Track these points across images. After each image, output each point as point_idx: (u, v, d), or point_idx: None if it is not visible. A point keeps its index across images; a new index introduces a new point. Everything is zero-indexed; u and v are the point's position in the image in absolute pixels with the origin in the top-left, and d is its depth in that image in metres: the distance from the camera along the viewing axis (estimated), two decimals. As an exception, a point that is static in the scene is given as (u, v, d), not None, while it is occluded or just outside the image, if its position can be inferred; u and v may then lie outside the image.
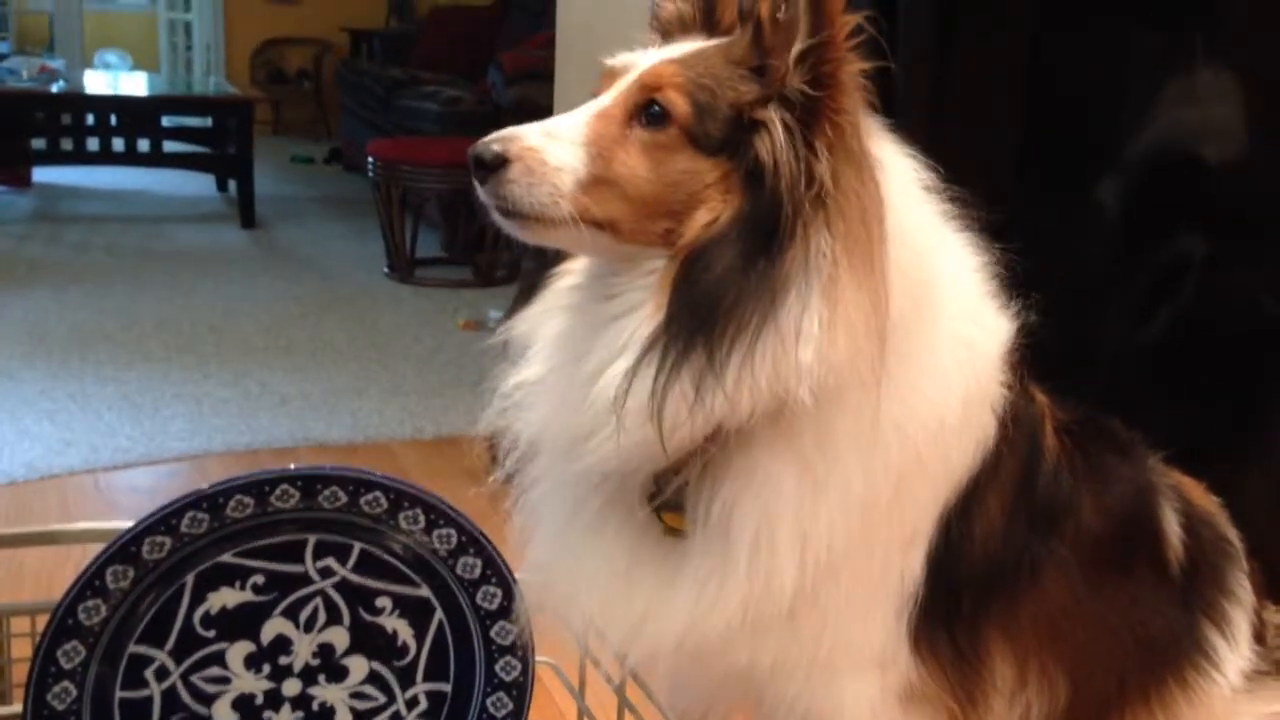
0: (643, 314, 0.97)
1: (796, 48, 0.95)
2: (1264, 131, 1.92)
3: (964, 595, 1.10)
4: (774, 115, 0.96)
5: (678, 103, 0.97)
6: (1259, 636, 1.33)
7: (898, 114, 2.02)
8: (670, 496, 1.02)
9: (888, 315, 0.96)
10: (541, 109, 4.07)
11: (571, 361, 1.01)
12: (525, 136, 0.97)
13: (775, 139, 0.95)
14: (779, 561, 0.99)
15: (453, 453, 3.08)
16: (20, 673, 1.19)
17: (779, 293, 0.93)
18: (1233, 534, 1.33)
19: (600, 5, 3.11)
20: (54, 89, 5.96)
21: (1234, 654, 1.28)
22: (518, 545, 1.13)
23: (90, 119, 5.98)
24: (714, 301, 0.93)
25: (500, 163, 0.96)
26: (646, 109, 0.98)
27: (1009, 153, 2.09)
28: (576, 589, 1.07)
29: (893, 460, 1.01)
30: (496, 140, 0.97)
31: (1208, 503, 1.33)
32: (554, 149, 0.97)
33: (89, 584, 1.06)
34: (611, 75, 1.03)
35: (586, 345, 1.00)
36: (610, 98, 1.01)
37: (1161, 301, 2.03)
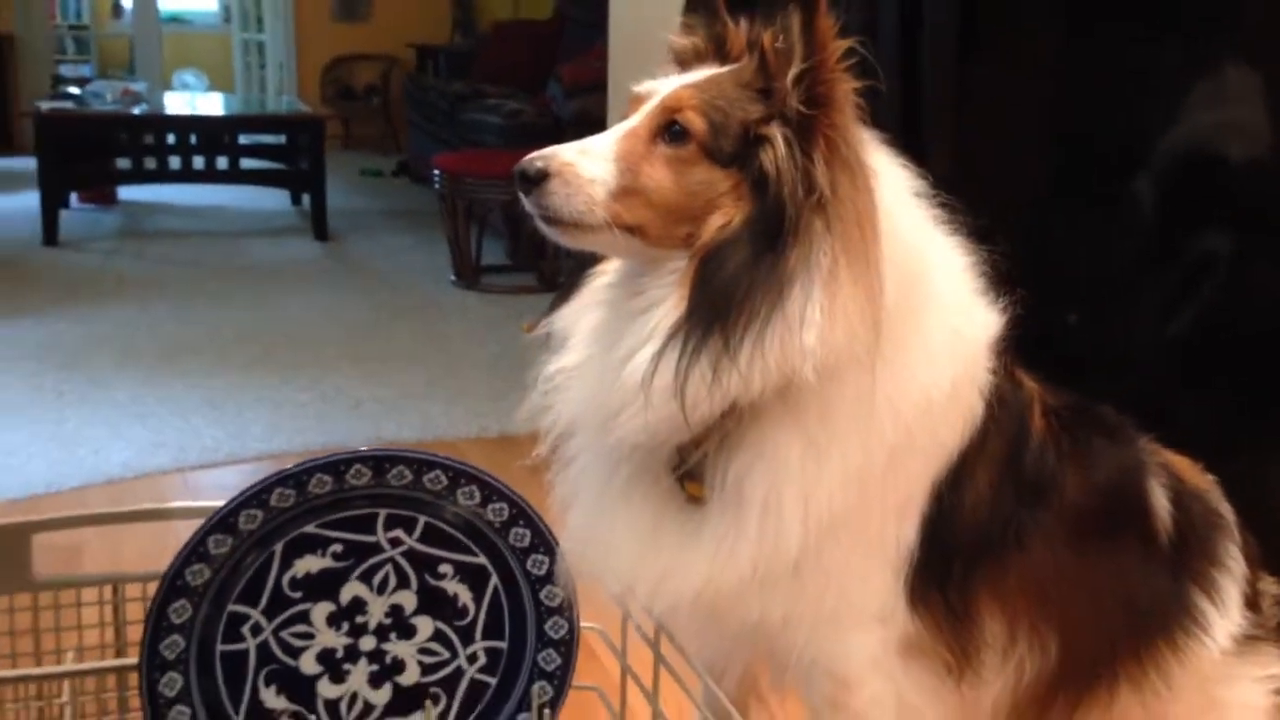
0: (667, 306, 1.09)
1: (792, 71, 1.08)
2: None
3: (955, 559, 1.20)
4: (776, 131, 1.08)
5: (695, 122, 1.10)
6: (1252, 604, 1.38)
7: (922, 119, 2.11)
8: (691, 467, 1.14)
9: (882, 305, 1.07)
10: (600, 120, 4.19)
11: (605, 349, 1.13)
12: (563, 154, 1.10)
13: (777, 151, 1.08)
14: (785, 523, 1.11)
15: (516, 450, 3.22)
16: (134, 632, 1.36)
17: (785, 285, 1.04)
18: (1225, 508, 1.39)
19: (650, 21, 3.22)
20: (136, 111, 6.17)
21: (1224, 619, 1.34)
22: (560, 516, 1.27)
23: (171, 139, 6.20)
24: (728, 294, 1.05)
25: (542, 177, 1.09)
26: (669, 128, 1.11)
27: (1034, 155, 2.15)
28: (609, 550, 1.19)
29: (887, 434, 1.12)
30: (539, 158, 1.10)
31: (1199, 479, 1.39)
32: (588, 164, 1.10)
33: (194, 550, 1.20)
34: (638, 100, 1.16)
35: (618, 335, 1.12)
36: (637, 119, 1.13)
37: (1190, 299, 2.07)
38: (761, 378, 1.05)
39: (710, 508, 1.15)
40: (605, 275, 1.23)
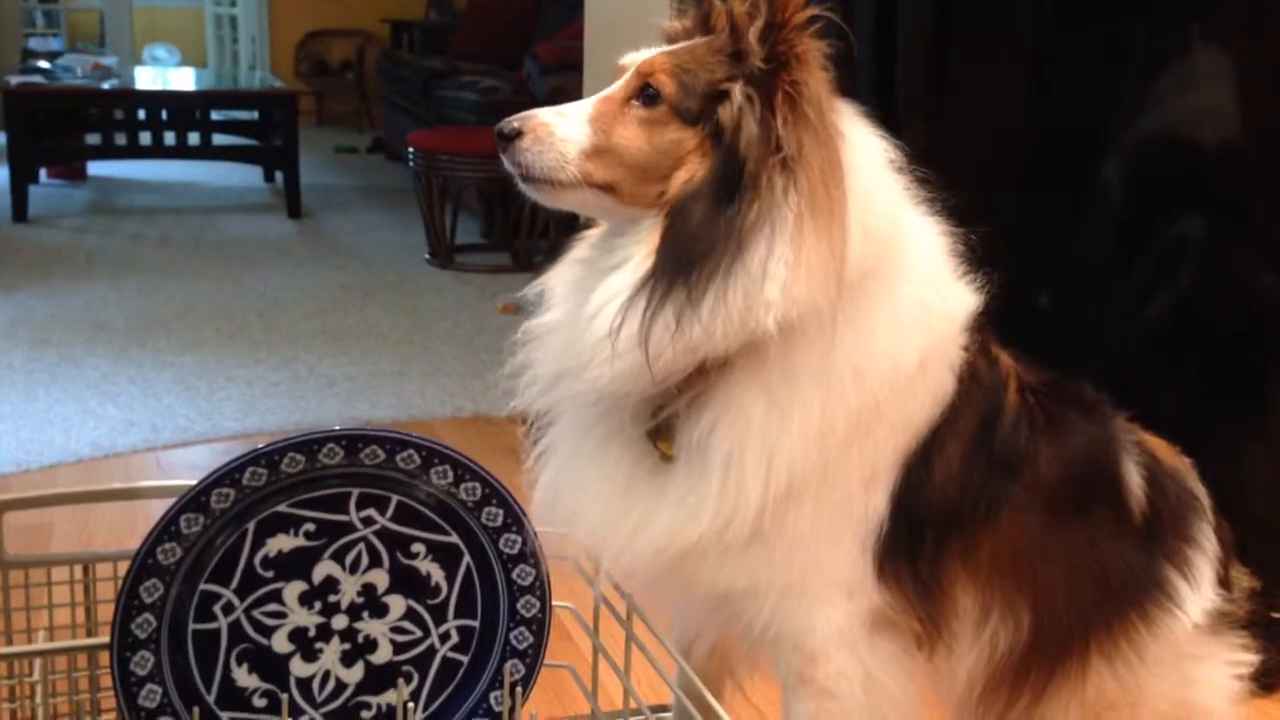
0: (637, 260, 1.13)
1: (754, 27, 1.12)
2: (1261, 117, 1.98)
3: (925, 531, 1.21)
4: (736, 86, 1.12)
5: (666, 84, 1.14)
6: (1224, 583, 1.40)
7: (897, 98, 2.10)
8: (663, 425, 1.17)
9: (845, 260, 1.10)
10: (575, 98, 4.16)
11: (579, 304, 1.18)
12: (539, 115, 1.16)
13: (734, 103, 1.12)
14: (746, 481, 1.13)
15: (490, 430, 3.23)
16: (105, 611, 1.36)
17: (747, 238, 1.08)
18: (1199, 489, 1.40)
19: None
20: (106, 86, 6.12)
21: (1196, 595, 1.35)
22: (537, 469, 1.29)
23: (142, 114, 6.14)
24: (691, 246, 1.09)
25: (516, 134, 1.15)
26: (643, 91, 1.15)
27: (1012, 133, 2.15)
28: (581, 504, 1.22)
29: (850, 399, 1.14)
30: (516, 118, 1.16)
31: (1175, 460, 1.40)
32: (561, 124, 1.16)
33: (166, 529, 1.19)
34: (621, 70, 1.20)
35: (591, 290, 1.16)
36: (616, 86, 1.18)
37: (1164, 283, 2.08)
38: (724, 329, 1.08)
39: (677, 465, 1.18)
40: (587, 239, 1.27)
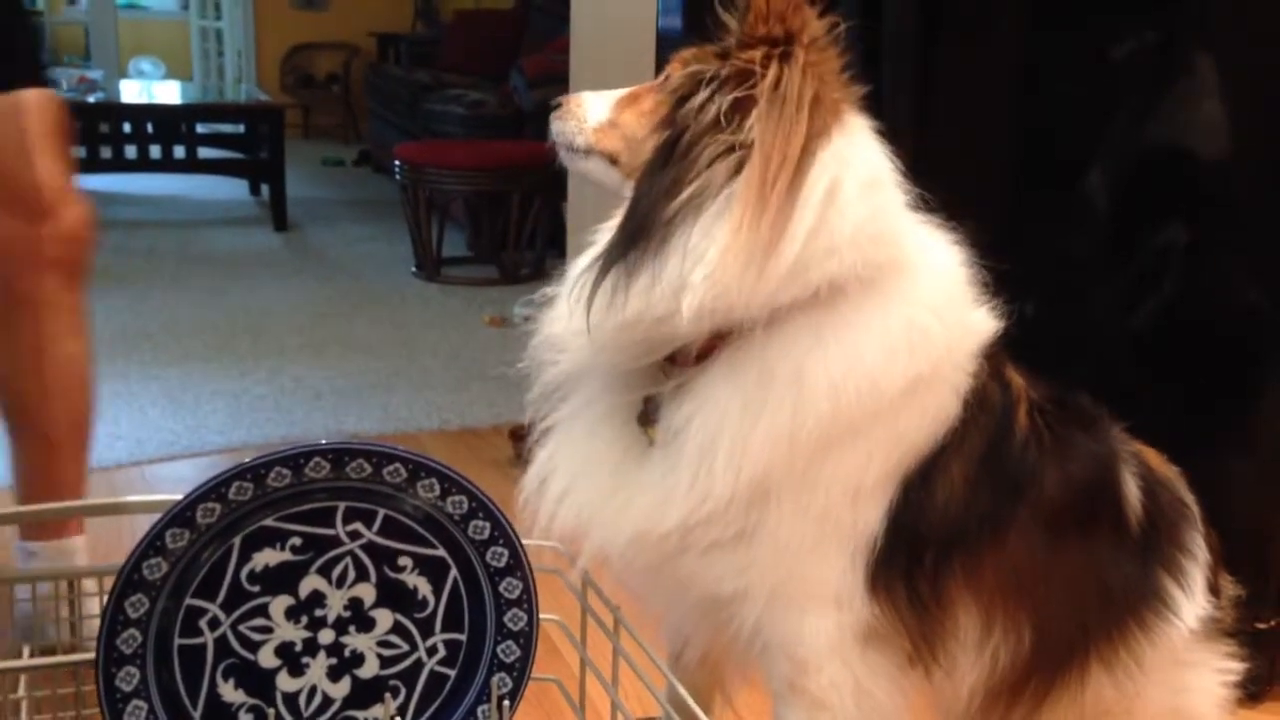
0: (605, 235, 1.18)
1: (739, 12, 1.14)
2: (1247, 126, 1.98)
3: (926, 551, 1.21)
4: (703, 64, 1.16)
5: (676, 68, 1.19)
6: (1215, 590, 1.41)
7: (886, 103, 2.11)
8: (649, 410, 1.21)
9: (774, 256, 1.09)
10: (561, 111, 4.15)
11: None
12: (580, 94, 1.28)
13: (679, 72, 1.17)
14: (716, 470, 1.14)
15: (477, 443, 3.23)
16: (90, 627, 1.35)
17: (680, 215, 1.10)
18: (1189, 498, 1.41)
19: (612, 12, 3.22)
20: (92, 99, 6.09)
21: (1190, 602, 1.36)
22: (521, 510, 1.30)
23: (127, 127, 6.12)
24: (635, 219, 1.13)
25: (557, 107, 1.28)
26: (666, 79, 1.20)
27: (997, 150, 2.15)
28: (571, 482, 1.25)
29: (822, 410, 1.14)
30: (564, 97, 1.29)
31: (1166, 469, 1.42)
32: (590, 99, 1.27)
33: (151, 544, 1.18)
34: None
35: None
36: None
37: (1150, 290, 2.08)
38: (657, 308, 1.10)
39: (656, 450, 1.20)
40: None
